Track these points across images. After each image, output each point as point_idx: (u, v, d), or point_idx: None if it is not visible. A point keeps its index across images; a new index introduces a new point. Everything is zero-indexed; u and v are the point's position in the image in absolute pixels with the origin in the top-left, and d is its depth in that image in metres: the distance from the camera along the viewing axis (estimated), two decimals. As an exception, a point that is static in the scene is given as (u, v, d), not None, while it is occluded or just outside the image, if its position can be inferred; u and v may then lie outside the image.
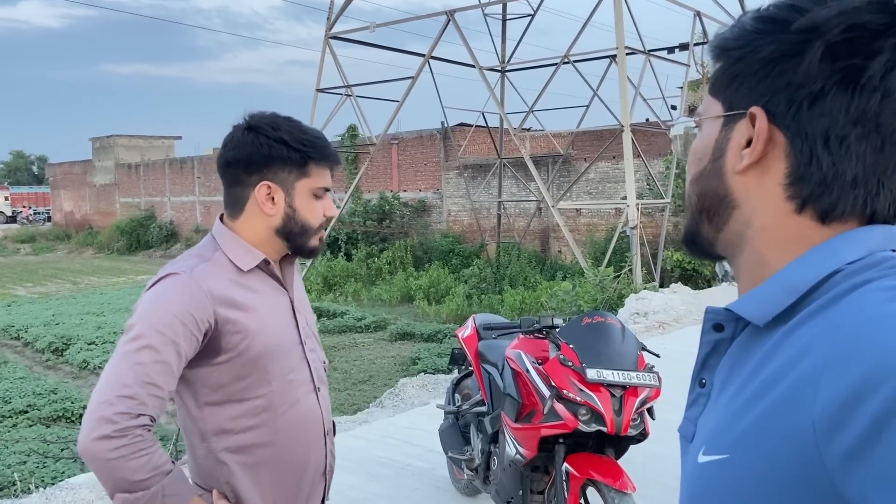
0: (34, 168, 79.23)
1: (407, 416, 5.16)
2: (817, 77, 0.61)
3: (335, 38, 14.10)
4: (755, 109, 0.65)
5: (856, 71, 0.60)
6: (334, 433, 1.68)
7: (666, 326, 8.27)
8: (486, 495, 3.46)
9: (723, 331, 0.69)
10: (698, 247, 0.75)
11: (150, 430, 1.32)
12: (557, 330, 2.84)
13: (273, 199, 1.49)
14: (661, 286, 11.02)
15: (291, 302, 1.57)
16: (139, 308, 1.41)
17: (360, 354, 13.21)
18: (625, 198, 11.63)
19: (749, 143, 0.66)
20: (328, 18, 14.14)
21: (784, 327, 0.62)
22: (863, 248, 0.63)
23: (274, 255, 1.55)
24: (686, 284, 10.97)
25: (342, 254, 21.14)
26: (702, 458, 0.64)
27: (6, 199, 50.62)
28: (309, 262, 16.42)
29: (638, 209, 11.21)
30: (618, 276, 10.19)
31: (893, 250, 0.64)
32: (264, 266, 1.53)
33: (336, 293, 19.06)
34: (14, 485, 5.52)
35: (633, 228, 10.95)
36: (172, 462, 1.34)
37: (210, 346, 1.42)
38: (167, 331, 1.35)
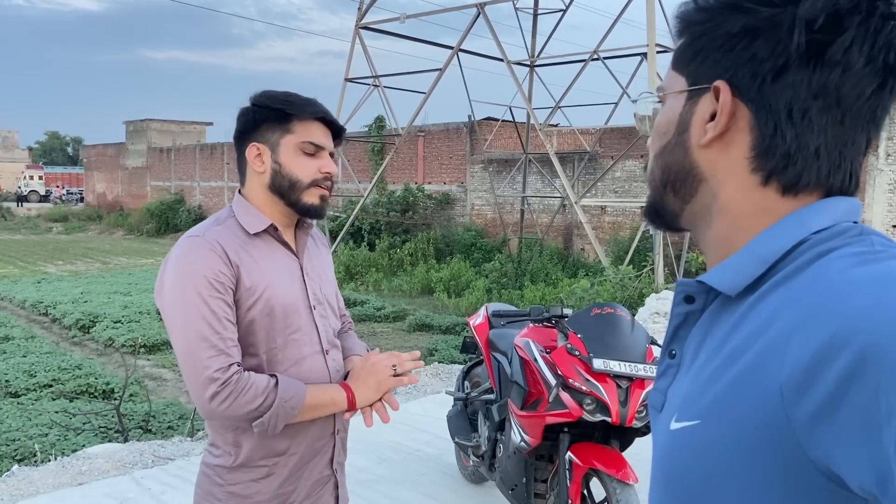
0: (69, 149, 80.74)
1: (419, 403, 5.20)
2: (782, 51, 0.62)
3: (365, 28, 14.15)
4: (719, 83, 0.66)
5: (819, 46, 0.61)
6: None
7: (685, 327, 8.21)
8: (492, 483, 3.48)
9: (693, 302, 0.70)
10: (662, 219, 0.76)
11: (241, 372, 1.47)
12: (566, 319, 2.84)
13: (261, 157, 1.58)
14: (683, 287, 10.90)
15: (301, 267, 1.63)
16: (169, 278, 1.49)
17: (378, 343, 13.31)
18: (650, 197, 11.46)
19: (713, 117, 0.67)
20: (359, 9, 14.20)
21: (753, 296, 0.64)
22: (828, 218, 0.64)
23: (280, 219, 1.62)
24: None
25: (365, 243, 21.26)
26: (674, 426, 0.65)
27: (40, 178, 51.64)
28: (332, 237, 16.53)
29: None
30: (639, 276, 10.13)
31: (855, 222, 0.65)
32: (272, 231, 1.60)
33: (357, 282, 19.18)
34: (34, 455, 5.68)
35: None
36: (272, 375, 1.49)
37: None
38: (209, 292, 1.46)
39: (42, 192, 49.63)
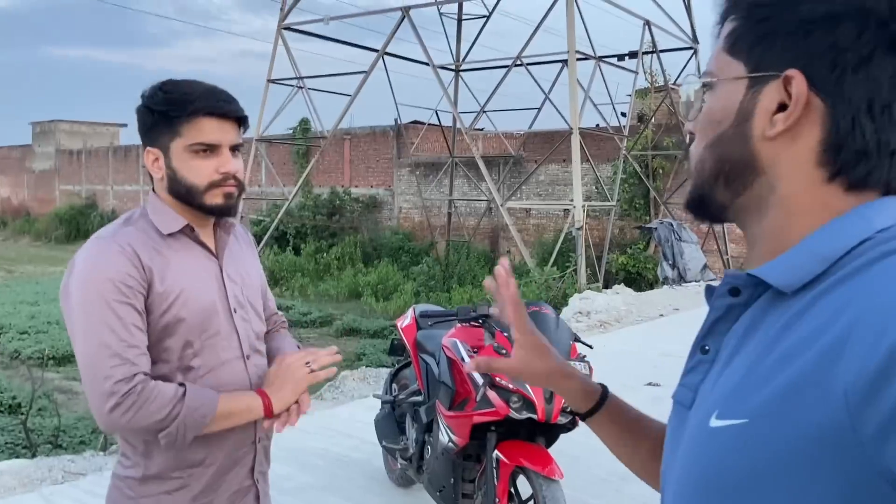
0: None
1: (346, 408, 5.13)
2: (866, 40, 0.59)
3: (288, 28, 13.91)
4: (792, 72, 0.61)
5: None
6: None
7: (607, 326, 8.43)
8: (420, 486, 3.47)
9: (739, 295, 0.67)
10: (707, 210, 0.73)
11: (147, 381, 1.38)
12: (493, 319, 2.86)
13: (158, 163, 1.50)
14: (606, 287, 11.23)
15: (221, 269, 1.56)
16: (74, 282, 1.40)
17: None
18: (573, 200, 11.83)
19: (780, 108, 0.63)
20: (281, 9, 13.94)
21: (810, 294, 0.60)
22: (891, 216, 0.61)
23: (198, 221, 1.54)
24: (630, 286, 11.21)
25: (290, 248, 20.87)
26: (715, 423, 0.62)
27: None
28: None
29: (584, 211, 11.39)
30: (562, 277, 10.34)
31: None
32: (188, 232, 1.52)
33: (283, 287, 18.81)
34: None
35: (578, 230, 11.12)
36: (181, 384, 1.42)
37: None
38: (116, 297, 1.38)
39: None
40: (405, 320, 3.66)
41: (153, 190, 1.56)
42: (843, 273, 0.59)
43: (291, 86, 14.21)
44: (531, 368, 0.98)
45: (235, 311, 1.56)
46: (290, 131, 22.48)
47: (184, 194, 1.48)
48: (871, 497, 0.53)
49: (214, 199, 1.49)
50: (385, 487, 3.77)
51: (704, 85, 0.71)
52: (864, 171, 0.62)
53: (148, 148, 1.50)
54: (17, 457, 5.49)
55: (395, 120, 19.83)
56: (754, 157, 0.66)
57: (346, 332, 13.88)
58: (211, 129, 1.46)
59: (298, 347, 1.76)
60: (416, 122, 20.54)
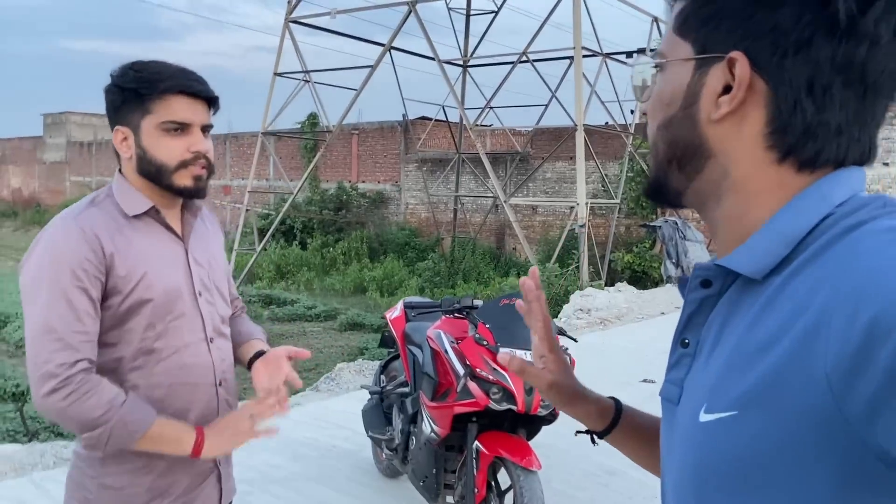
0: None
1: (340, 400, 5.15)
2: (807, 23, 0.59)
3: (295, 22, 13.93)
4: (736, 54, 0.62)
5: (849, 18, 0.58)
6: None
7: (607, 323, 8.42)
8: (406, 476, 3.48)
9: (710, 287, 0.67)
10: (664, 196, 0.72)
11: (90, 372, 1.38)
12: (476, 310, 2.87)
13: (127, 142, 1.50)
14: (611, 285, 11.20)
15: (186, 252, 1.57)
16: (33, 261, 1.41)
17: (309, 343, 13.11)
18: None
19: (726, 90, 0.63)
20: (289, 2, 13.96)
21: (779, 277, 0.60)
22: (848, 189, 0.62)
23: (164, 202, 1.54)
24: (634, 285, 11.18)
25: (297, 242, 20.94)
26: (705, 417, 0.62)
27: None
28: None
29: (587, 208, 11.35)
30: (564, 274, 10.32)
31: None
32: (154, 214, 1.52)
33: (288, 281, 18.88)
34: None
35: (581, 227, 11.09)
36: (126, 392, 1.40)
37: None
38: (71, 281, 1.38)
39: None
40: (394, 312, 3.68)
41: (119, 171, 1.56)
42: (809, 252, 0.59)
43: (298, 79, 14.23)
44: (559, 384, 0.97)
45: (200, 295, 1.57)
46: (299, 126, 22.53)
47: (153, 174, 1.48)
48: (865, 476, 0.53)
49: (183, 180, 1.49)
50: (373, 478, 3.79)
51: (656, 66, 0.70)
52: (812, 151, 0.62)
53: (117, 127, 1.49)
54: (17, 443, 5.55)
55: (403, 115, 19.83)
56: (703, 141, 0.66)
57: (349, 327, 13.92)
58: (182, 108, 1.46)
59: (263, 333, 1.78)
60: (423, 117, 20.54)
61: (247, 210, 15.62)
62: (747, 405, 0.58)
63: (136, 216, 1.50)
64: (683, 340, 0.69)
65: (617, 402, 0.99)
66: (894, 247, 0.54)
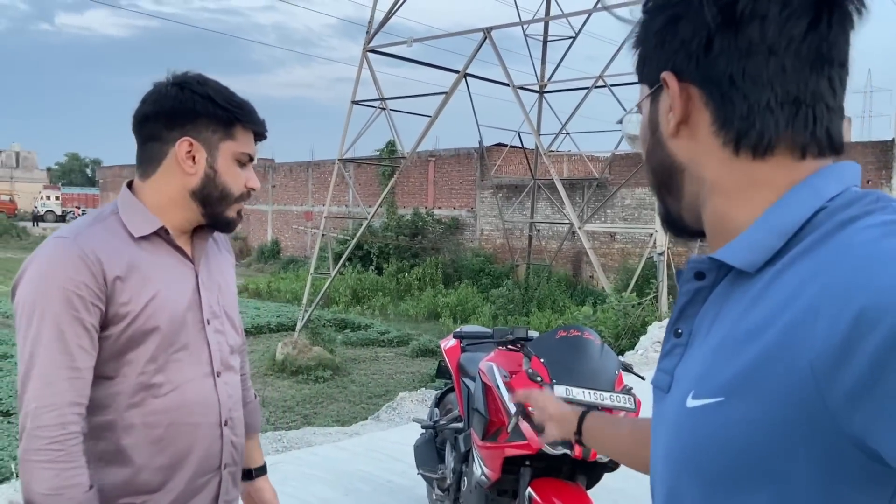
0: (88, 171, 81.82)
1: (399, 431, 4.97)
2: (702, 26, 0.65)
3: (373, 51, 14.14)
4: (664, 74, 0.69)
5: (731, 7, 0.63)
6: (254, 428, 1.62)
7: (688, 357, 7.94)
8: (459, 518, 3.25)
9: (704, 279, 0.70)
10: (673, 224, 0.76)
11: (74, 436, 1.25)
12: (530, 342, 2.64)
13: (194, 157, 1.39)
14: (691, 316, 10.62)
15: (197, 277, 1.44)
16: (25, 283, 1.29)
17: (380, 368, 13.11)
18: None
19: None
20: (367, 32, 14.21)
21: (772, 270, 0.62)
22: (840, 184, 0.64)
23: (182, 224, 1.43)
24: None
25: (373, 267, 21.13)
26: (692, 403, 0.63)
27: (57, 198, 52.09)
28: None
29: (667, 235, 10.87)
30: (641, 304, 9.87)
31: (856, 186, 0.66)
32: (164, 235, 1.40)
33: (363, 306, 19.03)
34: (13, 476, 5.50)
35: (660, 254, 10.61)
36: (90, 486, 1.25)
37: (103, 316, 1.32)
38: (64, 309, 1.26)
39: (58, 213, 50.09)
40: (449, 342, 3.49)
41: (129, 184, 1.44)
42: (802, 246, 0.61)
43: (374, 107, 14.41)
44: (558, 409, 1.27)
45: (209, 323, 1.44)
46: (378, 153, 22.87)
47: (213, 197, 1.41)
48: (846, 465, 0.54)
49: (232, 212, 1.45)
50: (425, 518, 3.58)
51: (635, 113, 0.79)
52: (756, 134, 0.65)
53: (186, 138, 1.37)
54: None
55: (479, 142, 19.80)
56: (673, 157, 0.72)
57: (421, 353, 13.81)
58: (252, 143, 1.46)
59: (256, 397, 1.71)
60: (499, 144, 20.44)
61: (323, 235, 15.84)
62: (733, 392, 0.60)
63: (143, 237, 1.38)
64: (676, 330, 0.72)
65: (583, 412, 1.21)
66: (886, 241, 0.55)
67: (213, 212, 1.42)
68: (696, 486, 0.63)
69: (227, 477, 1.46)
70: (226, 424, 1.45)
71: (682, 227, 0.76)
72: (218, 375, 1.44)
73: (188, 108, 1.37)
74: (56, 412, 1.23)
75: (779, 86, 0.64)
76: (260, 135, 1.47)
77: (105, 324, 1.31)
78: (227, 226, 1.47)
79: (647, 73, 0.73)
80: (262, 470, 1.72)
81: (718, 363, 0.62)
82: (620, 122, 0.85)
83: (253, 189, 1.46)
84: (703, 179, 0.70)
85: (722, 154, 0.67)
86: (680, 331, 0.72)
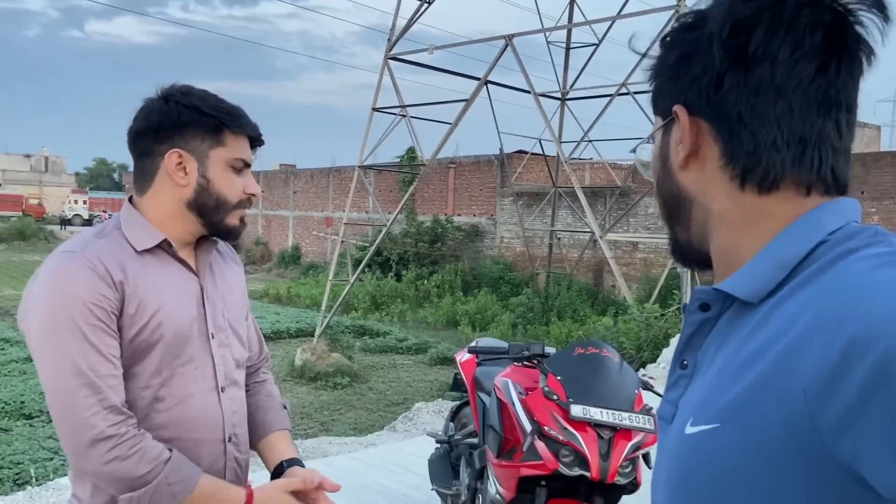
0: (115, 175, 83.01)
1: (415, 443, 4.93)
2: (713, 63, 0.67)
3: (394, 58, 14.16)
4: (676, 107, 0.71)
5: (742, 47, 0.65)
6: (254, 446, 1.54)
7: (710, 370, 7.79)
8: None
9: (709, 310, 0.71)
10: (682, 253, 0.78)
11: (132, 425, 1.27)
12: (547, 359, 2.58)
13: (185, 168, 1.37)
14: (714, 328, 10.44)
15: (202, 289, 1.42)
16: (38, 303, 1.28)
17: (398, 376, 13.06)
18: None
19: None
20: (388, 39, 14.23)
21: (772, 300, 0.64)
22: (841, 218, 0.66)
23: (184, 236, 1.42)
24: (740, 328, 10.35)
25: (392, 274, 21.13)
26: (689, 430, 0.65)
27: (84, 202, 52.90)
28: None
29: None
30: (664, 315, 9.73)
31: (856, 222, 0.67)
32: (167, 247, 1.39)
33: (382, 312, 19.01)
34: (32, 479, 5.54)
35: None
36: (169, 449, 1.29)
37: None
38: (88, 320, 1.25)
39: (86, 216, 50.84)
40: (465, 355, 3.43)
41: (129, 200, 1.42)
42: (801, 277, 0.63)
43: (395, 114, 14.43)
44: None
45: (213, 336, 1.41)
46: (398, 159, 22.91)
47: (209, 207, 1.38)
48: (835, 492, 0.55)
49: (233, 220, 1.42)
50: (439, 534, 3.52)
51: (648, 142, 0.81)
52: (761, 171, 0.67)
53: (176, 149, 1.36)
54: None
55: (500, 149, 19.75)
56: (682, 188, 0.74)
57: (439, 361, 13.74)
58: (246, 148, 1.43)
59: (285, 408, 1.63)
60: (520, 151, 20.35)
61: (342, 241, 15.87)
62: (728, 417, 0.61)
63: (146, 250, 1.36)
64: (682, 362, 0.73)
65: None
66: (879, 271, 0.56)
67: (212, 221, 1.40)
68: None
69: None
70: (230, 441, 1.42)
71: (689, 255, 0.78)
72: (222, 391, 1.41)
73: (174, 120, 1.36)
74: (110, 413, 1.24)
75: (786, 125, 0.66)
76: (255, 139, 1.44)
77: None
78: (228, 234, 1.44)
79: (661, 104, 0.75)
80: (297, 461, 1.55)
81: (716, 391, 0.64)
82: (634, 150, 0.87)
83: (253, 195, 1.43)
84: (710, 211, 0.72)
85: (729, 187, 0.69)
86: (685, 362, 0.73)
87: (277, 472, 1.50)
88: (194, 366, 1.37)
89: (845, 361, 0.53)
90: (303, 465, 1.54)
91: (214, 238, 1.48)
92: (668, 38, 0.74)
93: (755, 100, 0.66)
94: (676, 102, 0.71)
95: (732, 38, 0.65)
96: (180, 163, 1.36)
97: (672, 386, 0.74)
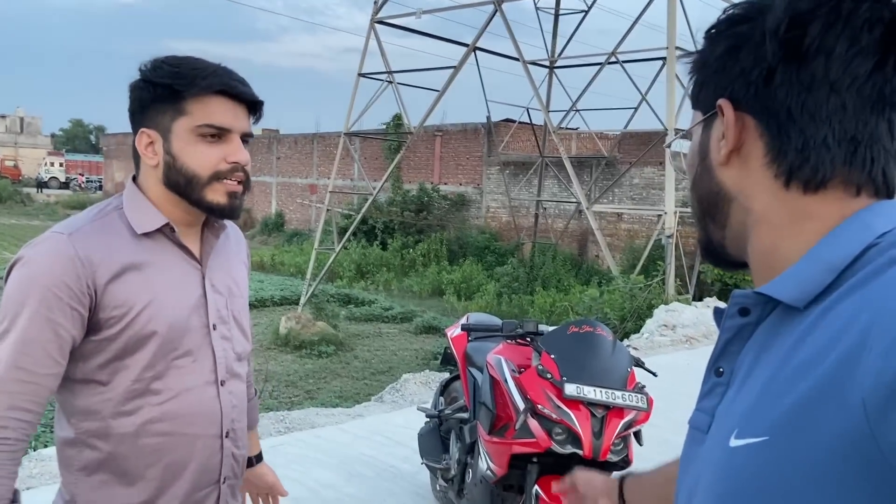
0: (92, 137, 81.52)
1: (402, 414, 4.93)
2: (764, 56, 0.64)
3: (381, 22, 13.92)
4: (721, 101, 0.68)
5: (797, 41, 0.62)
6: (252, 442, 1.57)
7: (694, 342, 7.86)
8: (463, 508, 3.21)
9: (749, 315, 0.67)
10: (714, 253, 0.76)
11: (4, 443, 1.17)
12: (540, 337, 2.57)
13: (153, 147, 1.29)
14: (699, 299, 10.55)
15: (203, 277, 1.35)
16: (13, 278, 1.23)
17: (384, 344, 13.11)
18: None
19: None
20: (375, 2, 13.97)
21: (820, 306, 0.61)
22: (890, 221, 0.63)
23: (183, 218, 1.33)
24: (724, 300, 10.49)
25: (378, 242, 21.07)
26: (735, 442, 0.62)
27: (61, 165, 51.97)
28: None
29: (676, 216, 10.74)
30: (649, 286, 9.78)
31: None
32: (168, 232, 1.31)
33: (367, 281, 19.01)
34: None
35: (668, 237, 10.50)
36: (13, 493, 1.18)
37: (90, 321, 1.25)
38: (40, 306, 1.19)
39: (62, 179, 49.96)
40: (456, 330, 3.41)
41: (133, 179, 1.35)
42: (853, 281, 0.60)
43: (382, 80, 14.22)
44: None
45: (215, 328, 1.35)
46: (384, 126, 22.68)
47: (181, 185, 1.28)
48: None
49: (216, 195, 1.29)
50: (428, 505, 3.54)
51: (685, 137, 0.79)
52: (809, 170, 0.64)
53: (142, 129, 1.29)
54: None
55: (487, 117, 19.59)
56: (721, 187, 0.71)
57: (425, 330, 13.79)
58: (222, 111, 1.27)
59: (258, 394, 1.64)
60: (507, 119, 20.21)
61: (328, 210, 15.74)
62: (779, 431, 0.58)
63: (146, 234, 1.29)
64: (718, 369, 0.70)
65: (621, 478, 1.12)
66: None
67: (192, 199, 1.29)
68: None
69: (227, 490, 1.39)
70: (227, 436, 1.37)
71: (723, 256, 0.76)
72: (222, 384, 1.36)
73: (136, 101, 1.30)
74: (9, 410, 1.17)
75: (837, 123, 0.63)
76: (234, 95, 1.28)
77: (96, 327, 1.24)
78: (218, 211, 1.31)
79: (703, 98, 0.72)
80: (260, 457, 1.70)
81: (764, 402, 0.61)
82: (668, 145, 0.84)
83: (236, 163, 1.28)
84: (750, 210, 0.69)
85: (772, 185, 0.67)
86: (721, 370, 0.70)
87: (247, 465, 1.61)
88: (192, 358, 1.31)
89: None
90: (262, 458, 1.71)
91: (222, 223, 1.40)
92: (715, 30, 0.71)
93: (807, 95, 0.63)
94: (721, 96, 0.68)
95: (788, 32, 0.63)
96: (150, 143, 1.29)
97: (707, 394, 0.71)
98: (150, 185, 1.32)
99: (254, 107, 1.33)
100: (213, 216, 1.36)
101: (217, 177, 1.28)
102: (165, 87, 1.26)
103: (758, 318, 0.67)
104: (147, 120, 1.29)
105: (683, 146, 0.81)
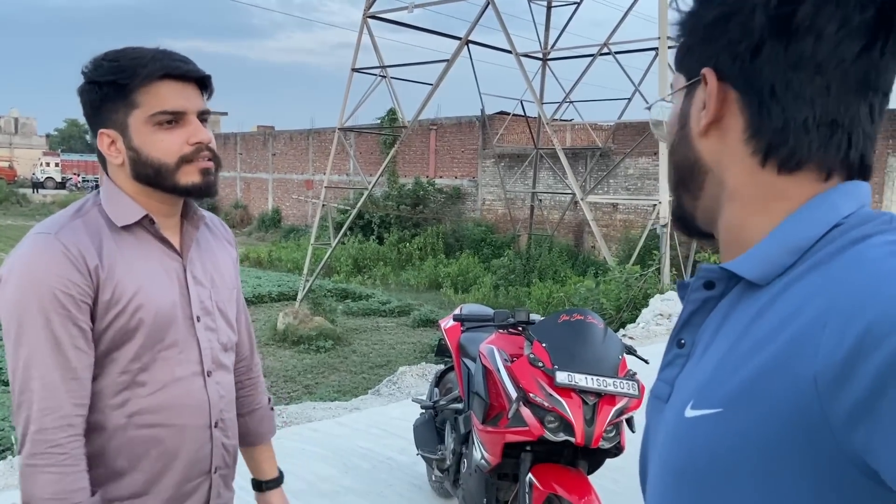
0: (88, 137, 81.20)
1: (399, 407, 4.95)
2: (753, 30, 0.63)
3: (373, 17, 13.88)
4: (704, 70, 0.67)
5: (787, 17, 0.62)
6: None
7: (689, 330, 7.89)
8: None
9: (713, 289, 0.69)
10: (684, 222, 0.76)
11: (76, 439, 1.22)
12: (532, 326, 2.58)
13: (116, 145, 1.29)
14: (693, 288, 10.54)
15: (185, 269, 1.36)
16: (10, 292, 1.23)
17: (381, 338, 13.12)
18: (660, 195, 11.20)
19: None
20: (367, -3, 13.94)
21: (780, 282, 0.62)
22: (855, 202, 0.64)
23: (161, 208, 1.33)
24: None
25: (374, 237, 21.08)
26: (690, 413, 0.63)
27: (57, 165, 51.74)
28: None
29: (670, 207, 10.73)
30: (644, 276, 9.81)
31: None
32: (147, 224, 1.32)
33: (364, 276, 19.02)
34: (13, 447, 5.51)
35: (663, 226, 10.52)
36: (92, 493, 1.22)
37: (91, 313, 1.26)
38: (55, 311, 1.20)
39: (58, 179, 49.78)
40: (449, 321, 3.43)
41: (107, 175, 1.35)
42: (813, 260, 0.61)
43: (375, 75, 14.19)
44: None
45: (199, 319, 1.36)
46: (378, 121, 22.65)
47: (152, 177, 1.28)
48: (841, 483, 0.54)
49: (190, 177, 1.29)
50: (425, 496, 3.56)
51: (666, 101, 0.77)
52: (786, 151, 0.64)
53: (101, 130, 1.29)
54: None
55: (481, 110, 19.58)
56: (698, 157, 0.70)
57: (422, 323, 13.82)
58: (172, 95, 1.26)
59: (271, 405, 1.65)
60: (502, 112, 20.20)
61: (323, 205, 15.74)
62: (733, 403, 0.59)
63: (125, 227, 1.30)
64: (679, 340, 0.71)
65: None
66: (894, 259, 0.55)
67: (167, 186, 1.29)
68: (689, 497, 0.63)
69: (219, 480, 1.41)
70: (216, 426, 1.38)
71: (692, 226, 0.76)
72: (209, 375, 1.37)
73: (88, 105, 1.29)
74: (58, 414, 1.20)
75: (819, 105, 0.63)
76: (180, 76, 1.26)
77: (93, 320, 1.25)
78: (196, 191, 1.31)
79: (687, 63, 0.71)
80: (274, 483, 1.63)
81: (720, 374, 0.62)
82: (649, 108, 0.82)
83: (199, 143, 1.28)
84: (723, 184, 0.69)
85: (749, 162, 0.66)
86: (683, 341, 0.71)
87: (255, 489, 1.64)
88: (178, 349, 1.32)
89: (860, 350, 0.51)
90: (279, 485, 1.64)
91: (200, 212, 1.42)
92: None
93: (792, 74, 0.62)
94: (706, 65, 0.67)
95: (779, 7, 0.62)
96: (112, 142, 1.29)
97: (668, 365, 0.72)
98: (122, 182, 1.32)
99: (203, 83, 1.32)
100: (191, 198, 1.36)
101: (185, 160, 1.28)
102: (110, 84, 1.25)
103: (721, 292, 0.68)
104: (103, 120, 1.28)
105: (665, 113, 0.77)
